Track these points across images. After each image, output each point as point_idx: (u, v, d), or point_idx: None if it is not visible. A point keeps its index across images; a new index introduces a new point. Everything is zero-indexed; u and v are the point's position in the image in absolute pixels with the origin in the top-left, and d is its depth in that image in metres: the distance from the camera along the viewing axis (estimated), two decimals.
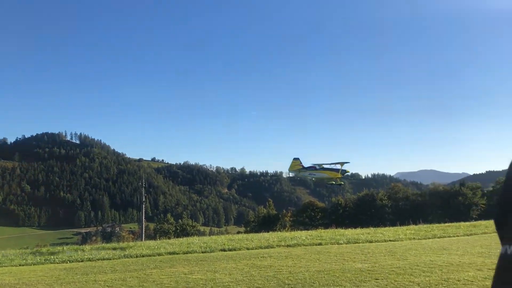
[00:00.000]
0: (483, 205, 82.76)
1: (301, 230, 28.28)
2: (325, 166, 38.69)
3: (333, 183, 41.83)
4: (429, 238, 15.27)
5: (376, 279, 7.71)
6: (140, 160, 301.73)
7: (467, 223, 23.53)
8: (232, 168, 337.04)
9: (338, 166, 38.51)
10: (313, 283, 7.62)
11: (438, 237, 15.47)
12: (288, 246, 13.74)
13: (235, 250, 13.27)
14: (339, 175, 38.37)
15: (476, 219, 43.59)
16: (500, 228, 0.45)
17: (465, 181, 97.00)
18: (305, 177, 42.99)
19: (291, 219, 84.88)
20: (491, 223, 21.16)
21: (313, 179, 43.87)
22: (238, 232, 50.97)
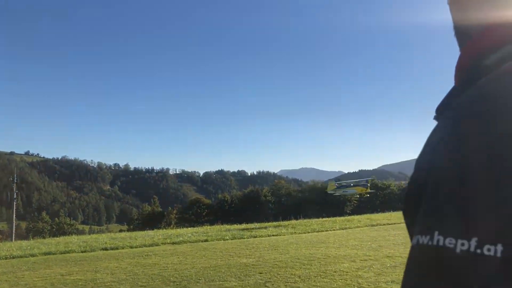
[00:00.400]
0: (355, 201, 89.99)
1: (187, 227, 28.12)
2: (356, 181, 46.63)
3: (361, 196, 49.54)
4: (308, 232, 16.14)
5: (260, 273, 7.93)
6: (11, 153, 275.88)
7: (342, 218, 25.34)
8: (115, 164, 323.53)
9: (365, 182, 45.75)
10: (199, 279, 7.60)
11: (317, 231, 16.42)
12: (173, 243, 13.57)
13: (117, 249, 12.74)
14: (367, 190, 44.79)
15: (349, 214, 47.23)
16: (408, 218, 0.47)
17: (340, 179, 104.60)
18: (340, 194, 48.76)
19: (176, 216, 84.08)
20: (363, 218, 23.07)
21: (356, 195, 50.69)
22: (121, 231, 49.06)
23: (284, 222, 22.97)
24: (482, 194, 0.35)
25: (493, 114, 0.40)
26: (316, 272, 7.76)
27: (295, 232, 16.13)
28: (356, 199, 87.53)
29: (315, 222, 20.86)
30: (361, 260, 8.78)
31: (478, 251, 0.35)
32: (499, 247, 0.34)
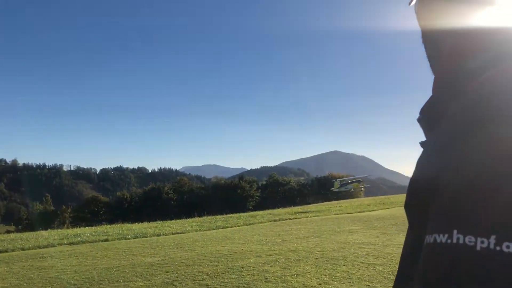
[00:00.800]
0: (257, 197, 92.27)
1: (83, 226, 26.66)
2: (352, 178, 58.68)
3: (356, 188, 60.98)
4: (213, 229, 16.15)
5: (167, 271, 7.77)
6: None
7: (246, 213, 25.73)
8: (1, 160, 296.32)
9: (359, 179, 58.24)
10: (102, 281, 7.24)
11: (222, 228, 16.49)
12: (71, 244, 12.79)
13: (7, 251, 11.70)
14: (359, 185, 58.22)
15: (252, 210, 48.19)
16: (413, 213, 0.49)
17: (243, 176, 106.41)
18: (342, 190, 59.39)
19: (71, 215, 79.85)
20: (266, 213, 23.64)
21: (352, 189, 60.63)
22: (8, 231, 45.17)
23: (188, 219, 22.76)
24: (499, 193, 0.37)
25: (498, 118, 0.41)
26: (223, 268, 7.79)
27: (200, 229, 16.06)
28: (258, 194, 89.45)
29: (219, 219, 20.95)
30: (267, 255, 8.99)
31: (498, 248, 0.35)
32: None
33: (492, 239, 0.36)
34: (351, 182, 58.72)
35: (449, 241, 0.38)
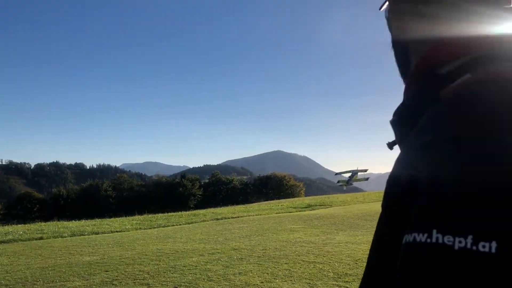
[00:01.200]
0: (200, 195, 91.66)
1: (15, 224, 25.31)
2: (353, 171, 55.94)
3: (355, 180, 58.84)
4: (154, 228, 15.87)
5: (106, 271, 7.56)
6: None
7: (188, 212, 25.47)
8: None
9: (359, 172, 56.44)
10: (36, 281, 6.93)
11: (163, 226, 16.25)
12: (1, 242, 12.12)
13: None
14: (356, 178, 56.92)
15: (194, 208, 47.85)
16: (389, 214, 0.51)
17: (185, 174, 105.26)
18: (346, 184, 57.33)
19: (1, 212, 75.91)
20: (208, 212, 23.52)
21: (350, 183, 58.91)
22: None
23: (128, 217, 22.21)
24: (476, 194, 0.39)
25: (474, 121, 0.45)
26: (165, 267, 7.70)
27: (141, 228, 15.74)
28: (200, 193, 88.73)
29: (160, 217, 20.59)
30: (209, 253, 8.97)
31: (474, 247, 0.37)
32: (493, 244, 0.37)
33: (469, 239, 0.38)
34: (353, 175, 58.87)
35: (428, 240, 0.40)
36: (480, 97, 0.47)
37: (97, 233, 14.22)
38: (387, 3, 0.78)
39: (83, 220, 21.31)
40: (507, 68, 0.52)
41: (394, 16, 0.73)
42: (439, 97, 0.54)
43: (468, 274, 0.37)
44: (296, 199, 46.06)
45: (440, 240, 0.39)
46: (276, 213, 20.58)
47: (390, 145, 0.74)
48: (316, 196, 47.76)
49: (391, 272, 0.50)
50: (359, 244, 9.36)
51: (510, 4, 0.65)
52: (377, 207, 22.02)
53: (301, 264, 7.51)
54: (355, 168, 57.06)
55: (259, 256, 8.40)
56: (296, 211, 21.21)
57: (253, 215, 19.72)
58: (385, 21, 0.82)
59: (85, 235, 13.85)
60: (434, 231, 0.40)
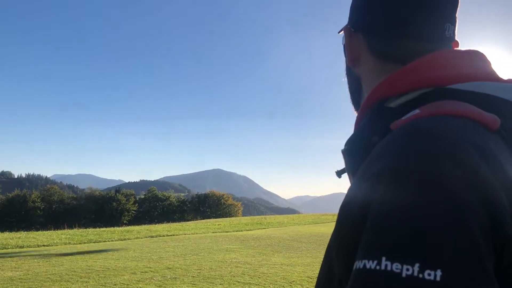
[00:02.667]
0: (134, 211, 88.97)
1: None
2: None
3: None
4: (85, 243, 15.21)
5: (30, 287, 7.13)
6: None
7: (121, 228, 24.64)
8: None
9: None
10: None
11: (94, 242, 15.60)
12: None
13: None
14: None
15: (127, 224, 46.31)
16: (339, 243, 0.53)
17: (120, 188, 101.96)
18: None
19: None
20: (143, 228, 22.88)
21: None
22: None
23: (57, 231, 21.14)
24: (423, 224, 0.42)
25: (421, 154, 0.48)
26: (94, 285, 7.37)
27: (70, 243, 15.02)
28: (135, 208, 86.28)
29: (91, 232, 19.78)
30: (142, 272, 8.70)
31: (420, 275, 0.39)
32: (438, 272, 0.39)
33: (416, 266, 0.40)
34: None
35: (377, 267, 0.42)
36: (429, 132, 0.50)
37: (21, 247, 13.41)
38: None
39: (7, 233, 20.03)
40: (455, 104, 0.56)
41: (350, 45, 0.76)
42: (388, 130, 0.57)
43: None
44: (233, 218, 45.92)
45: (389, 268, 0.41)
46: (213, 232, 20.40)
47: (339, 173, 0.76)
48: (254, 217, 47.92)
49: None
50: (294, 266, 9.46)
51: (454, 35, 0.71)
52: (312, 230, 22.51)
53: (236, 285, 7.47)
54: None
55: (193, 276, 8.26)
56: (233, 231, 21.15)
57: (189, 234, 19.42)
58: (341, 46, 0.85)
59: (8, 248, 13.01)
60: (383, 259, 0.42)
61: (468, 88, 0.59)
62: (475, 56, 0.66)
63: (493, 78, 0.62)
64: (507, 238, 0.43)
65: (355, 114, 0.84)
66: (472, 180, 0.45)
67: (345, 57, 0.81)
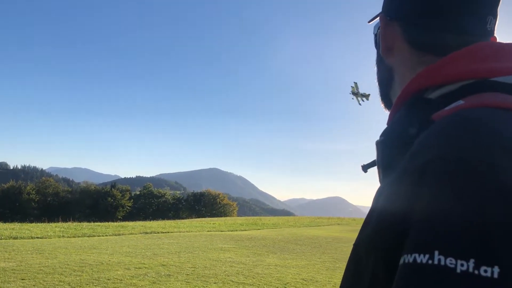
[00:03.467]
0: (129, 207, 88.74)
1: None
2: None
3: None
4: (79, 237, 15.15)
5: (23, 279, 7.06)
6: None
7: (116, 223, 24.61)
8: None
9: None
10: None
11: (88, 236, 15.55)
12: None
13: None
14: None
15: (121, 220, 46.26)
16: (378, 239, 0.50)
17: (116, 183, 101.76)
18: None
19: None
20: (137, 224, 22.83)
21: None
22: None
23: (51, 223, 21.06)
24: (479, 219, 0.40)
25: (472, 146, 0.45)
26: (88, 279, 7.33)
27: (64, 236, 14.96)
28: (130, 204, 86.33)
29: (86, 226, 19.71)
30: (136, 268, 8.67)
31: (476, 272, 0.37)
32: (496, 269, 0.37)
33: (471, 262, 0.38)
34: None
35: (430, 261, 0.40)
36: (479, 123, 0.48)
37: (15, 238, 13.34)
38: (377, 18, 0.78)
39: (0, 223, 19.97)
40: (500, 97, 0.54)
41: (385, 34, 0.74)
42: (430, 121, 0.55)
43: None
44: (228, 218, 45.89)
45: (442, 262, 0.39)
46: (208, 231, 20.36)
47: (365, 167, 0.74)
48: (249, 217, 47.88)
49: None
50: (288, 268, 9.43)
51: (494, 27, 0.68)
52: (307, 232, 22.49)
53: (230, 285, 7.43)
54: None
55: (187, 274, 8.22)
56: (228, 231, 21.11)
57: (183, 231, 19.37)
58: (372, 37, 0.82)
59: (1, 239, 12.94)
60: (436, 253, 0.40)
61: (510, 81, 0.57)
62: None
63: None
64: None
65: (383, 108, 0.81)
66: None
67: (377, 47, 0.79)
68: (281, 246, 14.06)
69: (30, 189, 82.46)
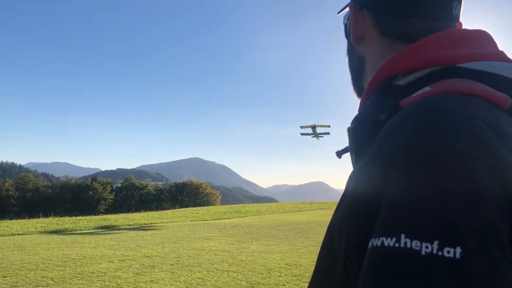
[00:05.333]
0: (111, 200, 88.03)
1: None
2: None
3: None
4: (60, 232, 15.02)
5: (4, 276, 6.98)
6: None
7: (98, 216, 24.42)
8: None
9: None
10: None
11: (70, 231, 15.43)
12: None
13: None
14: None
15: (104, 213, 45.86)
16: (347, 221, 0.52)
17: (97, 176, 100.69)
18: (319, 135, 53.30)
19: None
20: (120, 217, 22.69)
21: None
22: None
23: (31, 219, 20.77)
24: (443, 202, 0.42)
25: (436, 129, 0.47)
26: (71, 274, 7.29)
27: (46, 231, 14.80)
28: (111, 197, 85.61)
29: (67, 221, 19.52)
30: (120, 260, 8.64)
31: (440, 253, 0.39)
32: (458, 250, 0.39)
33: (435, 244, 0.40)
34: (314, 128, 51.66)
35: (396, 245, 0.42)
36: (443, 110, 0.50)
37: None
38: (347, 9, 0.79)
39: None
40: (466, 82, 0.56)
41: (355, 23, 0.75)
42: (398, 107, 0.57)
43: (433, 278, 0.39)
44: (212, 207, 45.92)
45: (408, 245, 0.41)
46: (191, 220, 20.39)
47: (339, 153, 0.76)
48: (232, 205, 48.03)
49: (339, 280, 0.52)
50: (272, 254, 9.52)
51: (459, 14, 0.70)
52: (290, 218, 22.62)
53: (214, 273, 7.48)
54: (314, 124, 50.99)
55: (172, 264, 8.24)
56: (212, 219, 21.16)
57: (167, 222, 19.37)
58: (340, 27, 0.83)
59: None
60: (403, 236, 0.42)
61: (477, 67, 0.59)
62: (483, 36, 0.66)
63: (502, 58, 0.62)
64: None
65: (355, 97, 0.82)
66: (490, 160, 0.45)
67: (347, 36, 0.80)
68: (265, 233, 14.17)
69: (9, 185, 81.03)
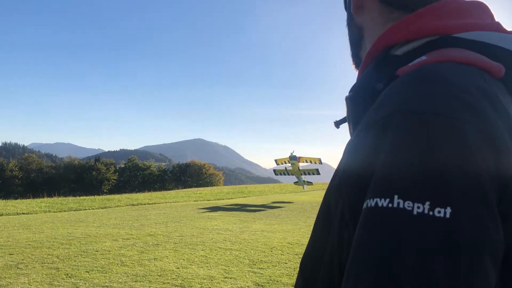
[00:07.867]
0: (114, 180, 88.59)
1: None
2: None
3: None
4: (65, 211, 15.17)
5: (11, 254, 7.10)
6: None
7: (101, 196, 24.57)
8: None
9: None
10: None
11: (74, 210, 15.57)
12: None
13: None
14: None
15: (107, 193, 46.15)
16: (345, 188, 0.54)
17: (100, 157, 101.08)
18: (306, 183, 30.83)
19: None
20: (123, 197, 22.83)
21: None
22: None
23: (36, 199, 20.95)
24: (434, 165, 0.44)
25: (432, 96, 0.49)
26: (76, 251, 7.40)
27: (50, 211, 14.95)
28: (115, 178, 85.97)
29: (71, 201, 19.69)
30: (124, 238, 8.76)
31: (431, 213, 0.42)
32: (448, 210, 0.42)
33: (427, 204, 0.43)
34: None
35: (390, 205, 0.44)
36: (437, 77, 0.52)
37: (1, 214, 13.31)
38: None
39: None
40: (461, 52, 0.58)
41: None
42: (395, 76, 0.58)
43: (425, 237, 0.42)
44: (215, 187, 46.15)
45: (401, 205, 0.44)
46: (194, 200, 20.53)
47: (338, 123, 0.77)
48: (235, 186, 48.21)
49: (335, 244, 0.55)
50: (274, 233, 9.62)
51: None
52: (292, 198, 22.67)
53: (217, 251, 7.58)
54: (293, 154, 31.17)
55: (175, 242, 8.35)
56: (215, 199, 21.30)
57: (170, 202, 19.51)
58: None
59: None
60: (396, 197, 0.44)
61: (473, 38, 0.60)
62: (480, 7, 0.67)
63: (498, 29, 0.63)
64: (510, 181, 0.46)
65: (353, 68, 0.83)
66: (481, 125, 0.47)
67: (346, 7, 0.81)
68: (267, 213, 14.29)
69: (13, 166, 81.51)
